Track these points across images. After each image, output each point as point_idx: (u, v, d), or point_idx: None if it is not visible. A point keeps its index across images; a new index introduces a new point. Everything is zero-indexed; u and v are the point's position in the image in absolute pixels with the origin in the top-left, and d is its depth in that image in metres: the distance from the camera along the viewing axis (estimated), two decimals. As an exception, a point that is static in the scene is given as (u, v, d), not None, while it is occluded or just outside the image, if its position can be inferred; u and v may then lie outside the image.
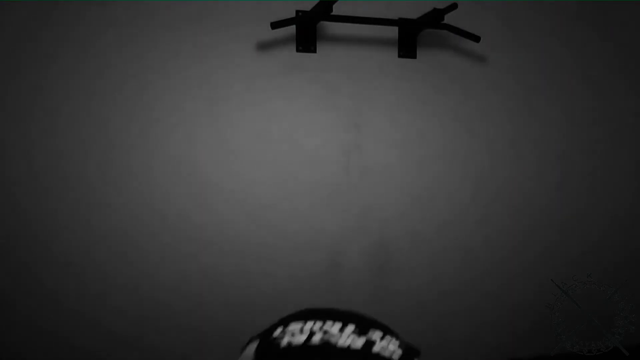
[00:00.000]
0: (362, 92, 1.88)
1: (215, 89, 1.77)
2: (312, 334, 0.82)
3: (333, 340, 0.82)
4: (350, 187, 1.88)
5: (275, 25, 1.73)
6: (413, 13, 1.88)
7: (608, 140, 2.12)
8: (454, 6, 1.79)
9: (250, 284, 1.80)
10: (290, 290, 1.82)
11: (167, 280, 1.74)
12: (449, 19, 1.86)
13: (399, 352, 0.85)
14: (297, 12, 1.80)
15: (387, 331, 0.87)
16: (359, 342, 0.83)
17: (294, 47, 1.83)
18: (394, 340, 0.86)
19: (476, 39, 1.90)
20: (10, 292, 1.65)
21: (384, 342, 0.84)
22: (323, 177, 1.86)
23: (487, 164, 2.00)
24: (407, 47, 1.91)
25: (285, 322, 0.86)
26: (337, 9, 1.75)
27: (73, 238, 1.69)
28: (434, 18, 1.82)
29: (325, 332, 0.82)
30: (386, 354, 0.82)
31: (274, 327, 0.85)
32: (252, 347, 0.83)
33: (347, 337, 0.83)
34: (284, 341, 0.83)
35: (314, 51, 1.84)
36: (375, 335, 0.86)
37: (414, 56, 1.92)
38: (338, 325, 0.84)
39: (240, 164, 1.80)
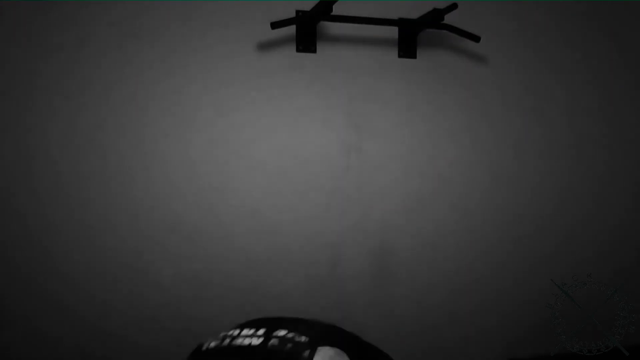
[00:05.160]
0: (362, 92, 1.88)
1: (215, 89, 1.77)
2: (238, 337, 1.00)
3: (238, 342, 1.00)
4: (351, 188, 1.88)
5: (275, 25, 1.73)
6: (413, 13, 1.88)
7: (611, 143, 2.12)
8: (454, 6, 1.79)
9: (251, 286, 1.80)
10: (289, 291, 1.82)
11: (167, 281, 1.74)
12: (449, 19, 1.86)
13: (305, 339, 1.00)
14: (297, 12, 1.80)
15: (298, 329, 1.04)
16: (257, 341, 1.01)
17: (294, 47, 1.83)
18: (297, 335, 1.00)
19: (476, 39, 1.90)
20: (7, 292, 1.65)
21: (281, 335, 0.99)
22: (323, 178, 1.86)
23: (488, 165, 2.00)
24: (407, 47, 1.91)
25: (241, 326, 1.04)
26: (337, 9, 1.75)
27: (69, 239, 1.69)
28: (434, 18, 1.82)
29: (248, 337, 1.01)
30: (284, 348, 0.98)
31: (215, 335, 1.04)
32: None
33: (250, 338, 1.03)
34: (205, 345, 0.99)
35: (314, 51, 1.84)
36: (279, 333, 1.01)
37: (414, 56, 1.92)
38: (263, 330, 1.02)
39: (240, 165, 1.80)
